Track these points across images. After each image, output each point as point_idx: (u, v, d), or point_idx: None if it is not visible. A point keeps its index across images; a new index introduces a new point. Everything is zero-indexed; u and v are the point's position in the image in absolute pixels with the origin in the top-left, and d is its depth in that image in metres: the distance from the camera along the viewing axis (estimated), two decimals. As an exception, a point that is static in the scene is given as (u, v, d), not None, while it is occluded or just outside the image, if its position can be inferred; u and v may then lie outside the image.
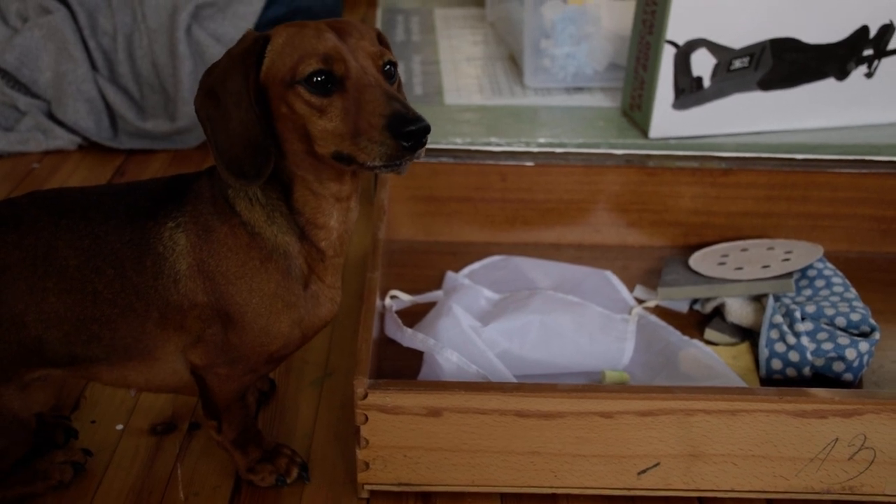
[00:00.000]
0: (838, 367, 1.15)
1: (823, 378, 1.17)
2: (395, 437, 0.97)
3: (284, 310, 0.92)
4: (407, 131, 0.79)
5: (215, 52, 1.85)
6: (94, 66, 1.84)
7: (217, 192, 0.90)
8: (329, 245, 0.92)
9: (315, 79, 0.82)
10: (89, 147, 1.84)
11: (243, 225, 0.89)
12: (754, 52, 1.36)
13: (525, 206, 1.43)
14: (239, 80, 0.84)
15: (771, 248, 1.37)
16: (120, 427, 1.13)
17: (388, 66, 0.86)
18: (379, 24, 1.92)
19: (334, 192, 0.89)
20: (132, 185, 0.96)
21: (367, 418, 0.96)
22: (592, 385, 1.03)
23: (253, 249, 0.90)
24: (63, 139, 1.82)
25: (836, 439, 0.97)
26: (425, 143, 0.82)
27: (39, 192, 0.96)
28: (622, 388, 0.96)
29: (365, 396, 0.94)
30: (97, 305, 0.90)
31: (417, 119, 0.80)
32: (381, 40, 0.90)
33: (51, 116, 1.85)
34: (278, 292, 0.91)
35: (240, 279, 0.90)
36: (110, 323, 0.91)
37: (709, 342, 1.25)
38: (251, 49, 0.85)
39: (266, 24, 1.96)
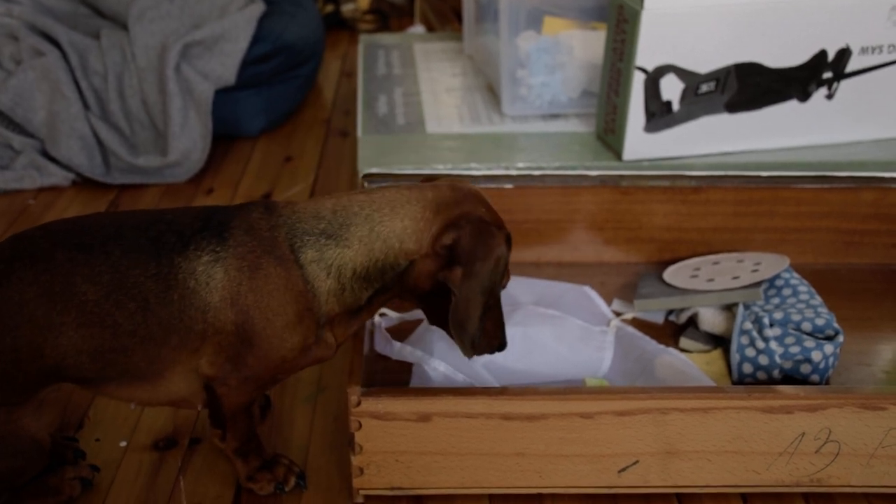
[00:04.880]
0: (805, 368, 1.21)
1: (792, 380, 1.23)
2: (387, 442, 1.02)
3: (304, 349, 0.98)
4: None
5: (203, 89, 1.91)
6: (86, 105, 1.90)
7: (282, 235, 0.94)
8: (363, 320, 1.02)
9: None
10: (83, 183, 1.90)
11: (303, 278, 0.94)
12: (720, 77, 1.43)
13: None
14: (501, 268, 0.96)
15: (740, 261, 1.44)
16: (123, 444, 1.18)
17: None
18: (360, 59, 1.99)
19: None
20: (154, 216, 0.97)
21: (360, 425, 1.01)
22: (573, 387, 1.10)
23: (301, 298, 0.94)
24: (57, 176, 1.88)
25: (803, 433, 1.02)
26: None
27: (54, 223, 0.98)
28: (601, 390, 1.03)
29: (358, 404, 1.00)
30: (116, 337, 0.93)
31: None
32: None
33: (45, 154, 1.90)
34: (305, 334, 0.96)
35: (277, 317, 0.94)
36: (127, 351, 0.94)
37: (683, 350, 1.31)
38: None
39: (251, 61, 2.02)
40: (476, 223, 0.94)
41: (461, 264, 0.93)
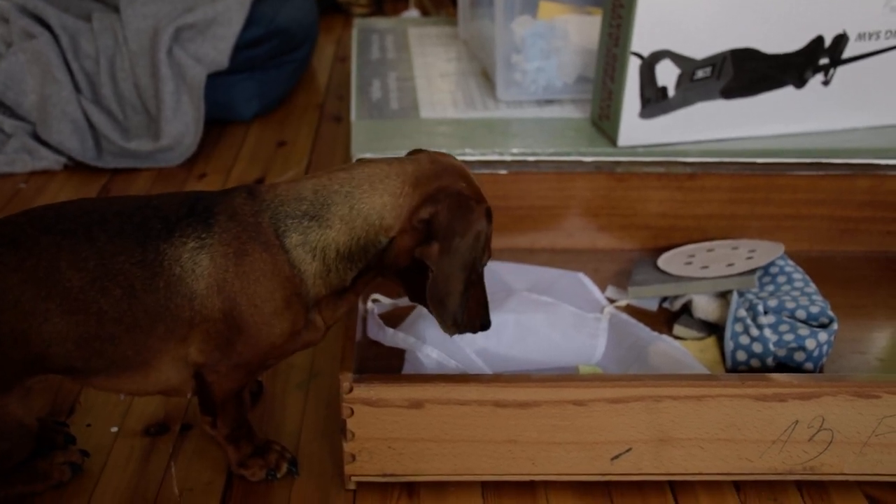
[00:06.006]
0: (799, 356, 1.20)
1: (786, 368, 1.23)
2: (379, 429, 1.02)
3: (293, 335, 0.97)
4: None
5: (196, 73, 1.90)
6: (77, 88, 1.88)
7: (266, 220, 0.93)
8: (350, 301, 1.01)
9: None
10: (75, 167, 1.88)
11: (289, 263, 0.93)
12: (716, 63, 1.42)
13: (499, 212, 1.47)
14: (481, 243, 0.94)
15: (735, 248, 1.43)
16: (114, 429, 1.17)
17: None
18: (355, 43, 1.98)
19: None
20: (139, 202, 0.96)
21: (352, 412, 1.00)
22: (566, 375, 1.09)
23: (288, 283, 0.93)
24: (49, 159, 1.86)
25: (797, 422, 1.02)
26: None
27: (38, 209, 0.96)
28: (594, 377, 1.02)
29: (350, 390, 0.99)
30: (102, 324, 0.92)
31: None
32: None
33: (36, 138, 1.88)
34: (294, 319, 0.96)
35: (265, 303, 0.93)
36: (113, 339, 0.93)
37: (677, 337, 1.30)
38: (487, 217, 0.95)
39: (245, 45, 2.01)
40: (455, 197, 0.93)
41: (438, 239, 0.91)
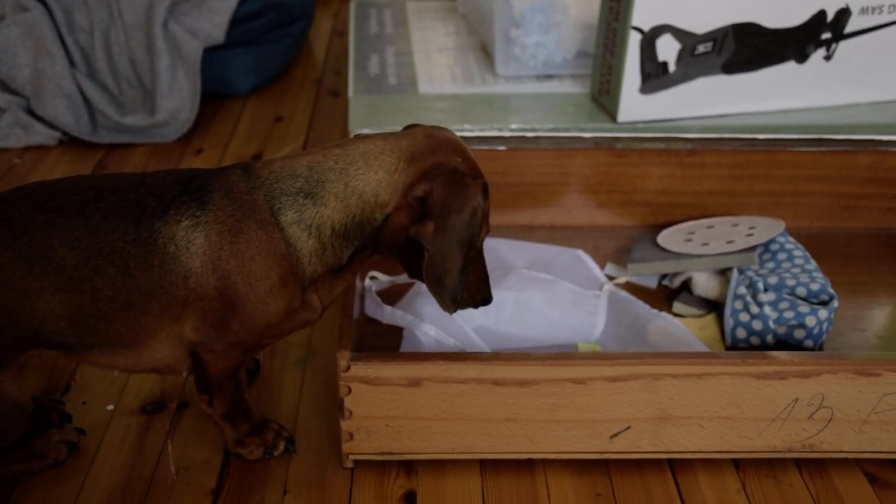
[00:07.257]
0: (799, 334, 1.20)
1: (786, 345, 1.22)
2: (377, 407, 1.01)
3: (289, 314, 0.96)
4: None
5: (192, 47, 1.87)
6: (71, 63, 1.86)
7: (261, 198, 0.92)
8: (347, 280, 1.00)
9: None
10: (70, 142, 1.87)
11: (285, 241, 0.92)
12: (717, 37, 1.40)
13: (498, 189, 1.47)
14: (478, 219, 0.93)
15: (735, 225, 1.42)
16: (110, 407, 1.17)
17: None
18: (352, 18, 1.95)
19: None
20: (134, 179, 0.96)
21: (350, 390, 1.00)
22: (565, 353, 1.09)
23: (284, 261, 0.92)
24: (43, 134, 1.85)
25: (796, 399, 1.02)
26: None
27: (31, 186, 0.96)
28: (593, 355, 1.01)
29: (348, 369, 0.98)
30: (95, 302, 0.91)
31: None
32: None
33: (30, 112, 1.87)
34: (289, 298, 0.95)
35: (260, 282, 0.92)
36: (107, 317, 0.92)
37: (677, 315, 1.30)
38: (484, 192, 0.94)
39: (241, 19, 1.99)
40: (450, 174, 0.91)
41: (433, 218, 0.90)
